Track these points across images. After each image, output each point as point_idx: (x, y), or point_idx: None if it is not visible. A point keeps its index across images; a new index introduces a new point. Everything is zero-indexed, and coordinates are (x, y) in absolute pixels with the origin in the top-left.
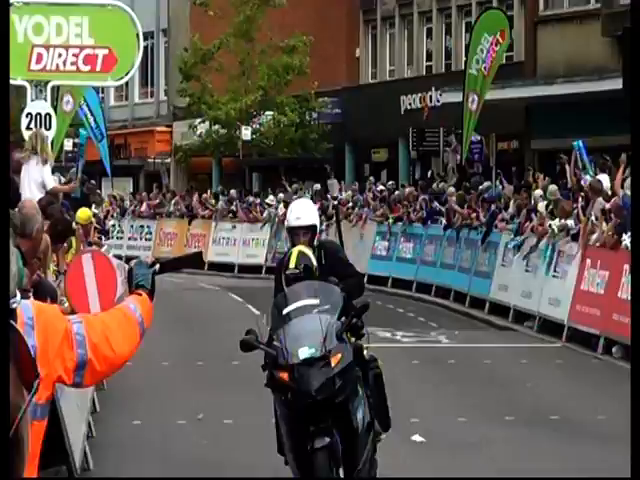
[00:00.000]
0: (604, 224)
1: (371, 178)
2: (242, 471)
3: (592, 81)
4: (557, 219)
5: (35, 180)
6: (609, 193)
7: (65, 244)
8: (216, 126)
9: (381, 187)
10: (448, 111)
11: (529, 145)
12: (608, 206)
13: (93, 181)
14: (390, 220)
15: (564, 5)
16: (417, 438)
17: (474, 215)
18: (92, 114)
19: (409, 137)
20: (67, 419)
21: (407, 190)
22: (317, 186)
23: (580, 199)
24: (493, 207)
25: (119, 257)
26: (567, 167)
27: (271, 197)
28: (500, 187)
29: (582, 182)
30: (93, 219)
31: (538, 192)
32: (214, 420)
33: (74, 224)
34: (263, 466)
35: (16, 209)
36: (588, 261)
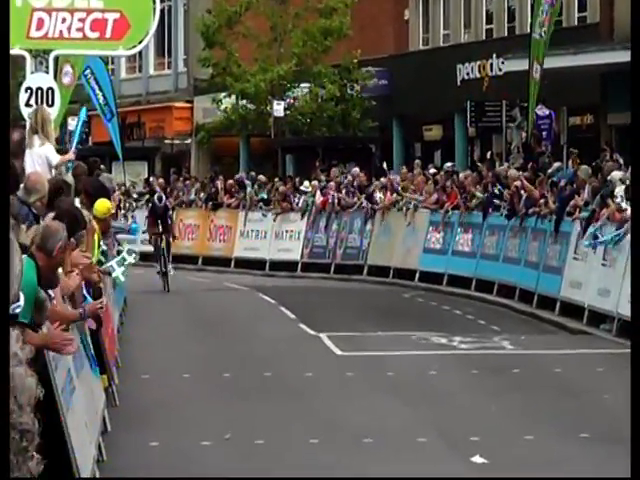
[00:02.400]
0: None
1: (417, 161)
2: None
3: None
4: None
5: (41, 164)
6: None
7: (74, 240)
8: (243, 101)
9: (433, 170)
10: (511, 81)
11: (605, 120)
12: None
13: (103, 166)
14: (447, 209)
15: None
16: (478, 459)
17: (543, 201)
18: (100, 89)
19: (467, 112)
20: (74, 440)
21: (464, 174)
22: (356, 170)
23: None
24: (566, 192)
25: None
26: None
27: (306, 183)
28: (572, 168)
29: None
30: (113, 211)
31: (616, 174)
32: (244, 440)
33: (90, 218)
34: None
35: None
36: None
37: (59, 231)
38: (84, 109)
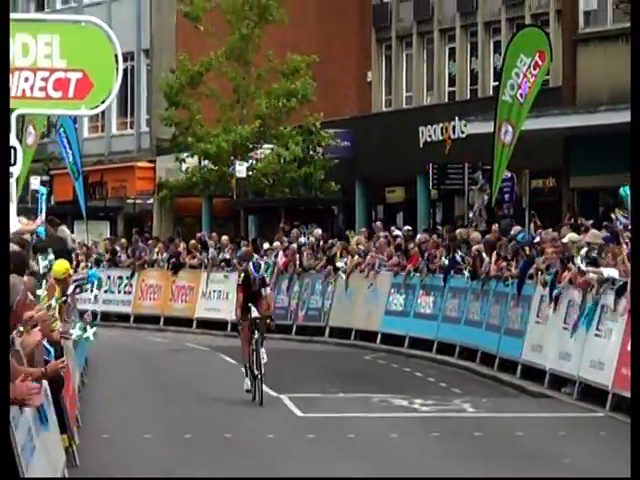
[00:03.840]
0: None
1: (379, 223)
2: None
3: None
4: (601, 268)
5: None
6: None
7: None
8: (206, 161)
9: (397, 232)
10: (473, 144)
11: (568, 183)
12: None
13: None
14: (409, 271)
15: (607, 21)
16: None
17: (504, 265)
18: (71, 147)
19: (429, 174)
20: None
21: (423, 236)
22: (318, 231)
23: (625, 246)
24: (527, 255)
25: (94, 314)
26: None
27: (267, 245)
28: (534, 232)
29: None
30: (71, 271)
31: (572, 235)
32: None
33: (52, 279)
34: None
35: None
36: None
37: (17, 285)
38: (42, 188)
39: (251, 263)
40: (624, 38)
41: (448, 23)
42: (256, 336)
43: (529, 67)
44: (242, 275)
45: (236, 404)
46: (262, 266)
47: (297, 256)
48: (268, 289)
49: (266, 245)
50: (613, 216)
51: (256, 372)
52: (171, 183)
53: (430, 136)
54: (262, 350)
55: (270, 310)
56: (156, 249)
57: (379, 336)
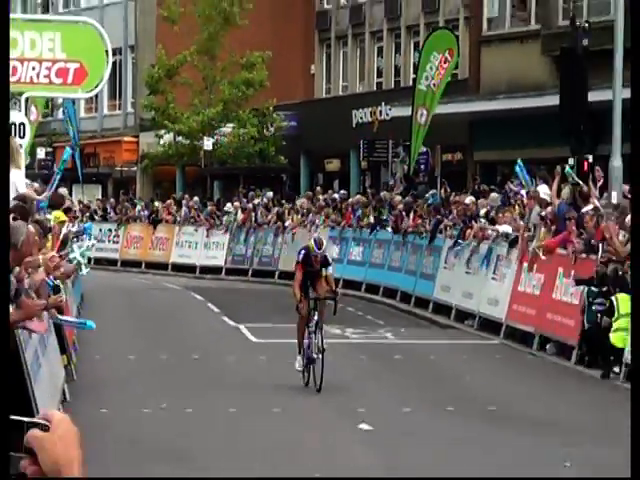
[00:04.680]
0: (542, 230)
1: (319, 188)
2: (207, 455)
3: (531, 97)
4: (497, 225)
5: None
6: (548, 200)
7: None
8: (180, 137)
9: (334, 195)
10: (396, 124)
11: (472, 157)
12: (544, 214)
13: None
14: (343, 226)
15: (506, 26)
16: (364, 426)
17: (420, 222)
18: (72, 124)
19: (360, 149)
20: (40, 405)
21: (355, 199)
22: (270, 194)
23: (517, 207)
24: (439, 214)
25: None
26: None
27: (229, 204)
28: (444, 195)
29: (520, 192)
30: (65, 219)
31: (481, 201)
32: (177, 409)
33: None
34: (222, 450)
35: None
36: (525, 264)
37: (20, 227)
38: (68, 149)
39: (312, 239)
40: (519, 40)
41: (377, 26)
42: (316, 318)
43: (440, 62)
44: (303, 252)
45: (202, 331)
46: (324, 243)
47: (253, 214)
48: (330, 268)
49: (228, 205)
50: (508, 184)
51: (314, 355)
52: (151, 154)
53: (361, 118)
54: (320, 335)
55: (332, 290)
56: (138, 207)
57: None
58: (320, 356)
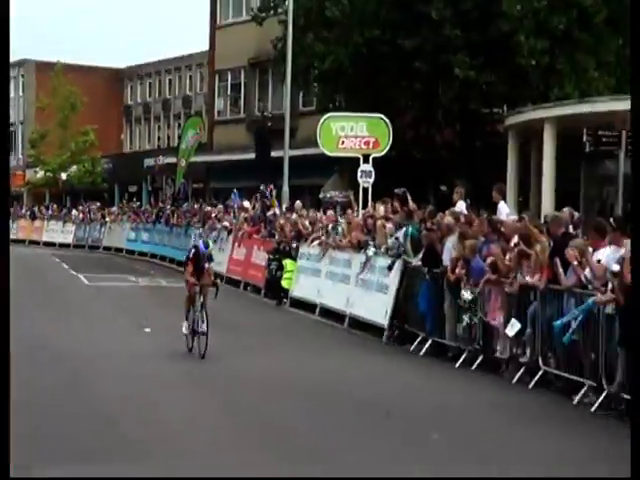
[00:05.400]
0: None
1: (124, 201)
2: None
3: (241, 153)
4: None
5: None
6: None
7: None
8: (48, 172)
9: (138, 203)
10: (170, 168)
11: (209, 186)
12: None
13: None
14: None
15: (227, 114)
16: (146, 330)
17: (180, 220)
18: None
19: (148, 180)
20: None
21: (146, 207)
22: (98, 204)
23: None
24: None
25: None
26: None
27: (74, 211)
28: (197, 205)
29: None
30: None
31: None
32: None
33: None
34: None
35: None
36: (236, 244)
37: None
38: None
39: (201, 241)
40: (234, 122)
41: (158, 113)
42: (201, 300)
43: (194, 135)
44: (193, 250)
45: (56, 279)
46: (210, 244)
47: (88, 214)
48: (212, 264)
49: (74, 211)
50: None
51: (199, 329)
52: (32, 182)
53: (150, 164)
54: (204, 312)
55: (213, 281)
56: (24, 210)
57: (124, 251)
58: (205, 331)
